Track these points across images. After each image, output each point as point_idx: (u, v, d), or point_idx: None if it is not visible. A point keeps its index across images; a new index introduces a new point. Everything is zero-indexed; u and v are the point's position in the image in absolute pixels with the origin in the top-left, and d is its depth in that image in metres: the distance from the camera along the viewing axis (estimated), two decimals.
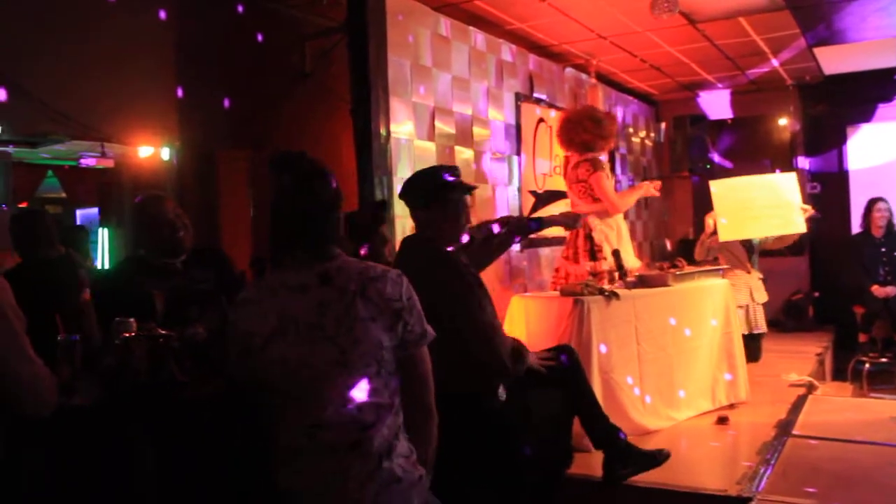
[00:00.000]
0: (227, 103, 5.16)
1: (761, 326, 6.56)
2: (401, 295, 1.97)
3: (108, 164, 5.44)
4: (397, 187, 4.70)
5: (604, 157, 5.28)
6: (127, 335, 2.53)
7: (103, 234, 6.31)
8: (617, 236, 5.14)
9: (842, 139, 9.01)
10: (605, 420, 3.44)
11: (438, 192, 3.00)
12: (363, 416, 1.88)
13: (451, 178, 3.05)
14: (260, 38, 5.31)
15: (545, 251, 6.23)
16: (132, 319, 2.57)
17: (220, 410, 2.35)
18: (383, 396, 1.92)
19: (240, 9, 5.22)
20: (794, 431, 4.60)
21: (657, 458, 3.52)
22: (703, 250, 6.66)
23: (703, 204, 9.34)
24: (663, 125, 9.11)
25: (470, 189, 3.12)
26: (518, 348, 3.11)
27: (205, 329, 2.86)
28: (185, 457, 2.28)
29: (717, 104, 9.08)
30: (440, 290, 2.75)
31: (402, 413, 1.98)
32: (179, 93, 4.99)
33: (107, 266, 6.01)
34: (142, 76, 4.73)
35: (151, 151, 5.07)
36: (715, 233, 6.47)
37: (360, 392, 1.88)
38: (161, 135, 4.98)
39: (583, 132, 5.04)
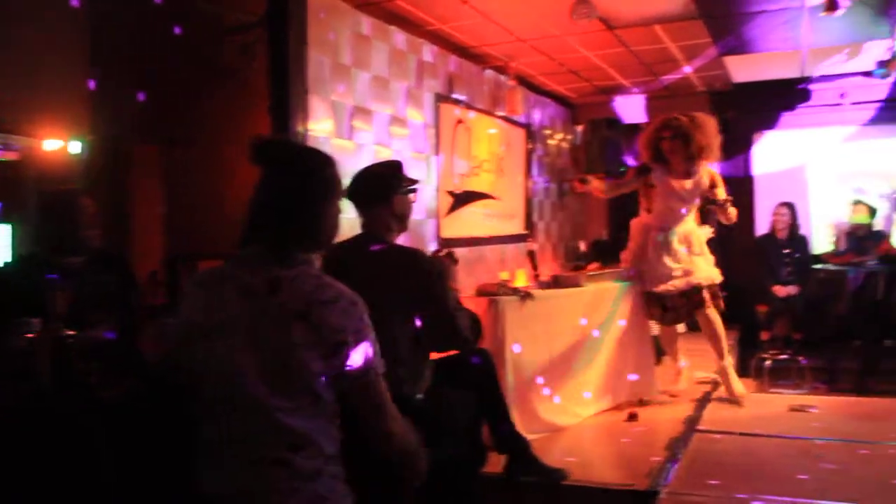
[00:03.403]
0: (141, 97, 5.04)
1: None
2: (345, 327, 1.82)
3: (13, 156, 5.25)
4: None
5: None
6: (30, 336, 2.45)
7: (4, 231, 6.07)
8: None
9: (748, 145, 9.34)
10: (510, 425, 3.54)
11: (388, 189, 3.06)
12: (291, 437, 1.78)
13: (399, 176, 3.12)
14: (178, 30, 5.19)
15: (462, 250, 6.29)
16: (36, 319, 2.48)
17: (133, 413, 2.30)
18: (317, 422, 1.82)
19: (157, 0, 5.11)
20: (700, 427, 4.79)
21: (555, 475, 3.65)
22: None
23: (618, 206, 9.59)
24: (579, 128, 9.27)
25: (415, 186, 3.19)
26: (476, 320, 3.19)
27: (109, 330, 2.79)
28: (100, 460, 2.22)
29: (632, 108, 9.29)
30: (410, 282, 2.91)
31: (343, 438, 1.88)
32: (91, 85, 4.85)
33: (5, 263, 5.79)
34: (51, 66, 4.57)
35: (60, 145, 4.91)
36: None
37: (288, 415, 1.78)
38: (70, 128, 4.83)
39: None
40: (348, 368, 1.82)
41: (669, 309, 5.43)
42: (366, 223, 3.13)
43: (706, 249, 5.57)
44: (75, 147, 4.96)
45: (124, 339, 2.75)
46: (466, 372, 3.35)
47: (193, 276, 1.98)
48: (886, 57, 6.48)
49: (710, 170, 5.46)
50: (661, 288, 5.35)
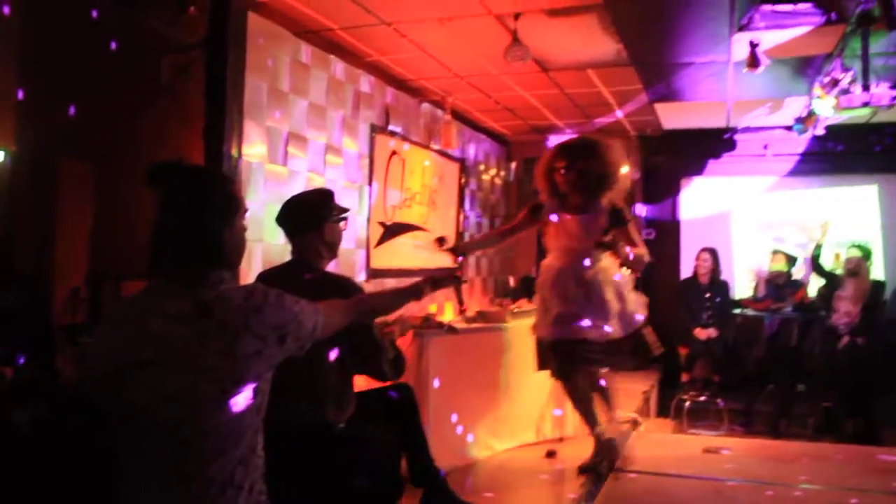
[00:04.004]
0: (72, 110, 4.95)
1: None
2: (284, 321, 1.91)
3: None
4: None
5: None
6: None
7: None
8: None
9: (676, 190, 9.63)
10: (427, 459, 3.56)
11: (320, 217, 3.08)
12: (238, 456, 1.84)
13: (330, 204, 3.14)
14: (114, 45, 5.13)
15: (390, 281, 6.30)
16: None
17: (44, 434, 2.25)
18: (254, 429, 1.89)
19: (94, 13, 5.04)
20: (617, 466, 4.86)
21: None
22: None
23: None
24: (513, 165, 9.42)
25: (346, 214, 3.21)
26: (400, 356, 3.20)
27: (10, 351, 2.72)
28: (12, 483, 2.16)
29: None
30: None
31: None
32: (20, 94, 4.75)
33: None
34: None
35: None
36: None
37: (234, 432, 1.83)
38: None
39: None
40: (301, 340, 1.97)
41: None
42: (296, 250, 3.14)
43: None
44: None
45: (34, 362, 2.68)
46: (386, 405, 3.37)
47: (106, 315, 1.96)
48: (804, 114, 6.77)
49: (617, 204, 4.45)
50: (549, 332, 4.43)
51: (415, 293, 2.67)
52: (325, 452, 2.91)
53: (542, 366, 4.58)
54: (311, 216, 3.12)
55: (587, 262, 4.36)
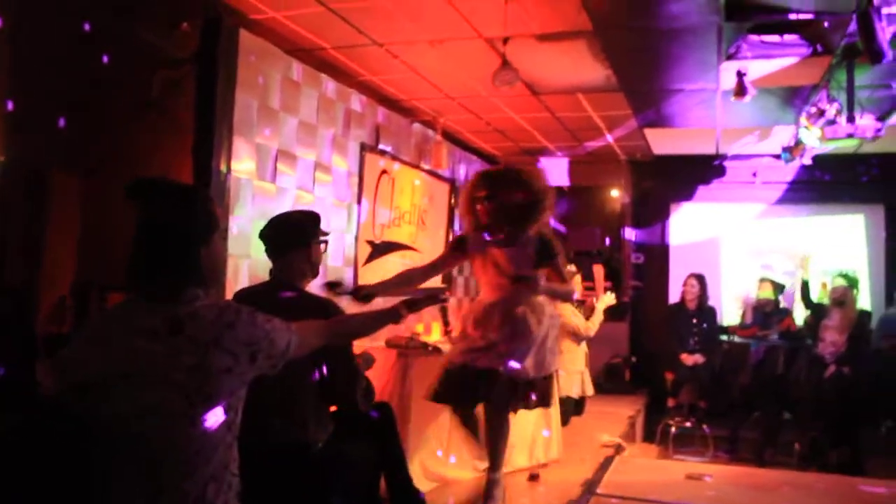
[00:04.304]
0: (62, 122, 4.96)
1: (590, 389, 6.89)
2: (256, 338, 1.92)
3: None
4: (231, 225, 4.70)
5: None
6: None
7: None
8: None
9: (665, 215, 9.68)
10: (406, 481, 3.55)
11: (306, 236, 3.09)
12: (209, 470, 1.85)
13: (317, 225, 3.16)
14: (106, 59, 5.16)
15: (379, 301, 6.29)
16: None
17: (17, 444, 2.24)
18: (226, 445, 1.90)
19: (86, 27, 5.07)
20: (599, 490, 4.85)
21: None
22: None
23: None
24: None
25: (327, 237, 3.23)
26: (369, 388, 3.20)
27: None
28: None
29: (555, 171, 9.53)
30: None
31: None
32: (10, 105, 4.76)
33: None
34: None
35: None
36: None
37: (206, 447, 1.84)
38: None
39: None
40: (273, 359, 1.98)
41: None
42: (277, 268, 3.14)
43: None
44: None
45: (13, 371, 2.68)
46: (366, 424, 3.37)
47: (81, 328, 1.97)
48: (791, 143, 6.83)
49: (546, 236, 4.09)
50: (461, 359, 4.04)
51: (392, 316, 2.65)
52: (302, 473, 2.91)
53: (445, 396, 4.09)
54: (298, 235, 3.13)
55: (518, 296, 3.98)
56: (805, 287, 7.40)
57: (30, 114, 4.79)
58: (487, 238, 3.99)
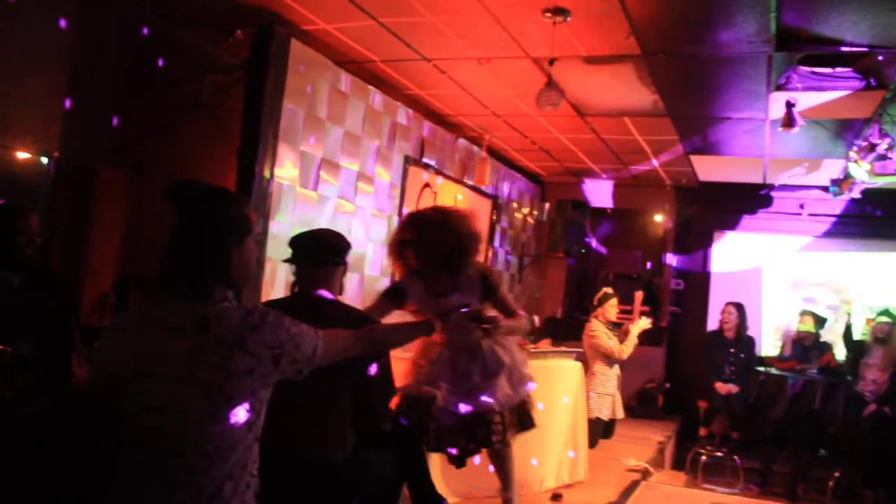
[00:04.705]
0: (115, 121, 5.11)
1: (621, 412, 6.88)
2: (280, 340, 1.95)
3: None
4: (273, 229, 4.79)
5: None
6: None
7: None
8: None
9: (708, 242, 9.58)
10: (429, 487, 3.54)
11: (343, 252, 3.12)
12: (227, 468, 1.88)
13: (349, 249, 3.18)
14: (161, 62, 5.30)
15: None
16: None
17: (44, 429, 2.31)
18: (246, 445, 1.91)
19: (145, 31, 5.22)
20: None
21: None
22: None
23: (575, 285, 9.75)
24: (547, 205, 9.45)
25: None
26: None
27: (34, 347, 2.81)
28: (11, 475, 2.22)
29: (599, 192, 9.53)
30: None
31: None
32: (67, 103, 4.91)
33: None
34: (30, 80, 4.64)
35: (27, 157, 4.95)
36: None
37: (225, 444, 1.87)
38: (41, 142, 4.88)
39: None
40: (298, 364, 1.99)
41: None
42: (311, 281, 3.07)
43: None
44: (44, 162, 5.00)
45: (51, 360, 2.77)
46: (394, 429, 3.36)
47: (112, 321, 2.01)
48: (840, 176, 6.73)
49: (486, 270, 4.02)
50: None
51: (425, 328, 2.67)
52: (322, 486, 2.91)
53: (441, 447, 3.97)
54: (336, 251, 3.15)
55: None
56: (848, 330, 7.27)
57: (85, 112, 4.94)
58: (436, 298, 3.76)
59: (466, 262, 3.78)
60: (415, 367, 4.02)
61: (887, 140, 5.63)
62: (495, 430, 3.91)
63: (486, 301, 3.83)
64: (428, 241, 3.74)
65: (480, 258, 7.01)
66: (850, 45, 4.63)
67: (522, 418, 4.09)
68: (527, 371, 4.11)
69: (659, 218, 9.65)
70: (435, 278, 3.79)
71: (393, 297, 3.85)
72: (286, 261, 3.09)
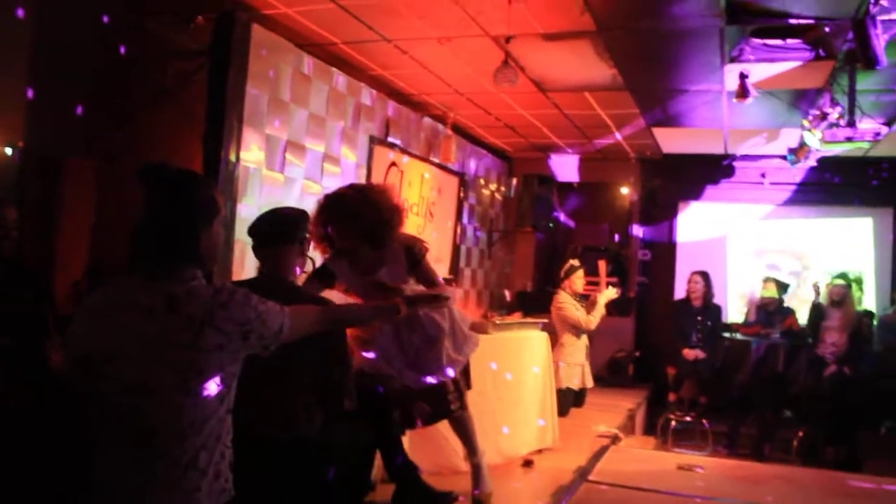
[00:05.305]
0: (80, 110, 5.13)
1: (590, 381, 7.07)
2: (248, 318, 2.02)
3: None
4: (241, 212, 4.85)
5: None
6: None
7: None
8: None
9: (673, 213, 9.75)
10: (402, 455, 3.66)
11: (301, 231, 3.18)
12: (201, 440, 1.96)
13: (307, 223, 3.25)
14: (123, 50, 5.31)
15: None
16: None
17: (26, 424, 2.36)
18: (218, 418, 2.00)
19: (105, 19, 5.23)
20: (591, 477, 4.99)
21: (443, 499, 3.75)
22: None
23: (544, 259, 9.89)
24: (514, 181, 9.55)
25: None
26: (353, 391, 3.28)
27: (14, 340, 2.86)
28: None
29: (566, 167, 9.64)
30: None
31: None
32: (30, 93, 4.93)
33: None
34: None
35: None
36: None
37: (197, 417, 1.95)
38: (5, 133, 4.90)
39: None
40: (266, 340, 2.08)
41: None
42: (269, 262, 3.16)
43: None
44: (8, 153, 5.02)
45: (28, 350, 2.82)
46: (368, 398, 3.43)
47: (83, 302, 2.07)
48: (796, 145, 6.89)
49: (409, 241, 3.92)
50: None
51: (391, 311, 2.76)
52: (291, 463, 2.95)
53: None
54: (294, 229, 3.20)
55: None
56: (819, 306, 7.37)
57: (48, 102, 4.96)
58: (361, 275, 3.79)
59: (390, 236, 3.74)
60: (357, 341, 3.91)
61: (838, 109, 5.78)
62: (451, 398, 3.95)
63: (411, 271, 3.83)
64: (349, 218, 3.65)
65: (449, 235, 7.14)
66: (798, 17, 4.78)
67: (465, 375, 4.13)
68: (470, 331, 4.11)
69: (625, 190, 9.79)
70: (360, 255, 3.76)
71: (321, 278, 3.82)
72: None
